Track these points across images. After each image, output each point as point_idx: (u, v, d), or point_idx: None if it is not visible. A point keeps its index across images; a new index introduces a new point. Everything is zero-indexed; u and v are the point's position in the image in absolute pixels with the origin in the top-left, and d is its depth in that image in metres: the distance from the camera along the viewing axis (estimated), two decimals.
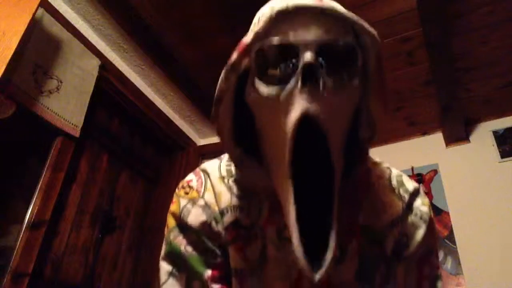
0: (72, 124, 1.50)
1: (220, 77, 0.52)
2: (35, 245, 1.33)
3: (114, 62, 1.85)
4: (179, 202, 0.66)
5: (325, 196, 0.47)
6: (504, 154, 2.24)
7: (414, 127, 2.50)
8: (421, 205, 0.62)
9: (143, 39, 1.86)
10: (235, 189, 0.62)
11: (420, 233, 0.60)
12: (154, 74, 2.03)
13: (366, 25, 0.48)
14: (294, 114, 0.45)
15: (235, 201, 0.62)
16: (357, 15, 0.48)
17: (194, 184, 0.66)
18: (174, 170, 2.22)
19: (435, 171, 2.38)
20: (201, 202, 0.63)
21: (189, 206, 0.64)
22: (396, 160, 2.49)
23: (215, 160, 0.71)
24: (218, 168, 0.68)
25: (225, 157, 0.69)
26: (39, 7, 1.29)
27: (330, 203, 0.47)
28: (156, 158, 2.22)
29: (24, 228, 1.32)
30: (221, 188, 0.64)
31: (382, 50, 0.50)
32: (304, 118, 0.45)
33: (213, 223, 0.62)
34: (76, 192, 1.62)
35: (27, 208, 1.35)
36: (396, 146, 2.58)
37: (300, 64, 0.45)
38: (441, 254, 2.13)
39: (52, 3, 1.53)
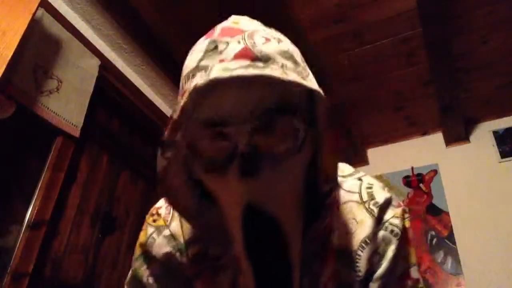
0: (72, 124, 1.50)
1: (157, 159, 0.49)
2: (35, 245, 1.32)
3: (114, 62, 1.85)
4: (147, 229, 0.64)
5: (284, 262, 0.47)
6: (504, 154, 2.24)
7: (414, 127, 2.50)
8: (391, 217, 0.57)
9: (143, 39, 1.86)
10: (201, 219, 0.58)
11: (391, 249, 0.56)
12: (154, 74, 2.03)
13: (308, 84, 0.44)
14: (237, 207, 0.45)
15: (200, 232, 0.58)
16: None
17: (162, 211, 0.64)
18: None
19: (435, 171, 2.38)
20: (166, 232, 0.61)
21: (154, 235, 0.62)
22: (396, 160, 2.50)
23: None
24: None
25: None
26: (39, 7, 1.29)
27: (289, 275, 0.47)
28: (156, 158, 2.21)
29: (24, 228, 1.31)
30: None
31: (328, 105, 0.46)
32: (248, 208, 0.44)
33: (177, 255, 0.59)
34: (76, 192, 1.62)
35: (27, 208, 1.35)
36: (396, 146, 2.58)
37: (236, 153, 0.43)
38: (441, 254, 2.13)
39: (52, 3, 1.53)
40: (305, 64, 0.50)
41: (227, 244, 0.51)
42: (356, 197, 0.59)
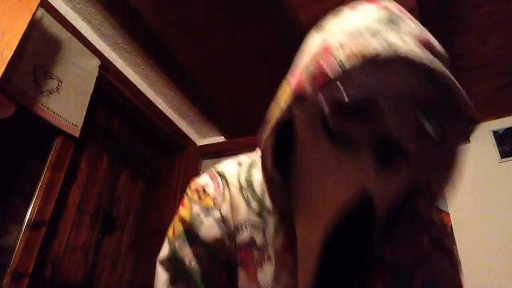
0: (72, 124, 1.50)
1: (282, 101, 0.44)
2: (35, 245, 1.32)
3: (114, 62, 1.85)
4: (191, 207, 0.58)
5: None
6: (504, 154, 2.24)
7: None
8: (445, 237, 0.57)
9: (143, 39, 1.86)
10: (252, 204, 0.56)
11: (448, 272, 0.55)
12: (154, 74, 2.03)
13: (470, 105, 0.39)
14: (348, 188, 0.41)
15: (252, 217, 0.55)
16: None
17: (210, 190, 0.59)
18: (174, 170, 2.22)
19: None
20: (216, 214, 0.57)
21: (202, 215, 0.57)
22: None
23: (233, 164, 0.62)
24: (237, 176, 0.60)
25: (244, 161, 0.62)
26: (39, 7, 1.29)
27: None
28: (156, 158, 2.21)
29: (24, 228, 1.31)
30: (239, 201, 0.57)
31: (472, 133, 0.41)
32: (357, 195, 0.41)
33: (226, 240, 0.56)
34: (76, 192, 1.62)
35: (27, 208, 1.35)
36: None
37: (378, 136, 0.39)
38: None
39: (52, 3, 1.53)
40: None
41: (276, 232, 0.49)
42: (411, 212, 0.57)
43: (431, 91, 0.39)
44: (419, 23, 0.43)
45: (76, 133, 1.51)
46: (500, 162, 2.23)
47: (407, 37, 0.40)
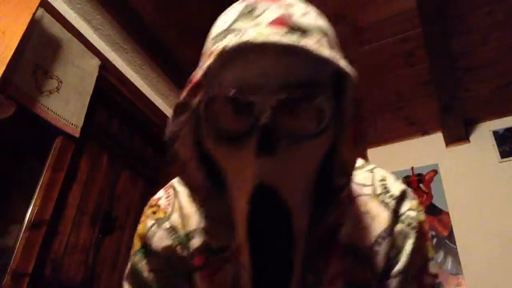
0: (72, 124, 1.50)
1: (170, 116, 0.47)
2: (35, 245, 1.33)
3: (114, 62, 1.85)
4: (146, 222, 0.61)
5: (286, 248, 0.44)
6: (504, 154, 2.24)
7: (414, 127, 2.50)
8: (408, 209, 0.55)
9: (143, 39, 1.86)
10: (203, 211, 0.56)
11: (409, 243, 0.53)
12: (154, 74, 2.03)
13: (341, 63, 0.41)
14: (248, 183, 0.42)
15: (204, 223, 0.56)
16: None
17: (162, 202, 0.61)
18: (174, 170, 2.21)
19: (435, 171, 2.38)
20: (166, 224, 0.58)
21: (154, 228, 0.59)
22: (396, 160, 2.50)
23: None
24: None
25: None
26: (39, 7, 1.29)
27: (290, 265, 0.43)
28: (156, 158, 2.21)
29: (24, 228, 1.31)
30: (190, 209, 0.58)
31: (359, 91, 0.43)
32: (259, 187, 0.41)
33: (178, 248, 0.57)
34: (76, 192, 1.62)
35: (27, 208, 1.35)
36: (396, 146, 2.58)
37: (256, 126, 0.40)
38: (441, 254, 2.13)
39: (52, 3, 1.53)
40: (339, 47, 0.48)
41: (232, 236, 0.49)
42: (369, 190, 0.56)
43: (301, 68, 0.41)
44: (281, 3, 0.45)
45: (76, 133, 1.51)
46: (500, 162, 2.23)
47: (260, 20, 0.42)
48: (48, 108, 1.40)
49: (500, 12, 1.72)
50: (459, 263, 2.06)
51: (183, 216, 0.58)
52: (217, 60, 0.40)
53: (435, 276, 0.57)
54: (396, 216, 0.54)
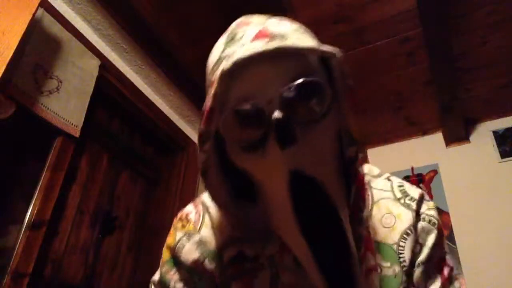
0: (72, 124, 1.50)
1: (197, 150, 0.51)
2: (35, 245, 1.32)
3: (114, 62, 1.85)
4: (175, 234, 0.64)
5: (336, 233, 0.47)
6: (504, 154, 2.24)
7: (414, 127, 2.50)
8: (427, 209, 0.63)
9: (143, 39, 1.86)
10: (234, 223, 0.59)
11: (432, 238, 0.60)
12: (154, 74, 2.03)
13: (323, 47, 0.46)
14: (283, 173, 0.45)
15: (236, 233, 0.59)
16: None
17: (192, 217, 0.64)
18: (174, 170, 2.22)
19: (435, 171, 2.38)
20: (196, 237, 0.62)
21: (184, 240, 0.62)
22: (396, 160, 2.50)
23: None
24: None
25: None
26: (39, 7, 1.29)
27: (343, 239, 0.47)
28: (156, 158, 2.22)
29: (24, 228, 1.31)
30: (221, 223, 0.61)
31: (345, 64, 0.48)
32: (294, 176, 0.45)
33: (206, 262, 0.60)
34: (76, 192, 1.62)
35: (27, 208, 1.35)
36: (396, 146, 2.59)
37: (271, 126, 0.44)
38: None
39: (52, 3, 1.53)
40: (318, 40, 0.54)
41: (266, 242, 0.53)
42: (389, 194, 0.64)
43: (295, 66, 0.46)
44: (260, 20, 0.52)
45: (76, 133, 1.51)
46: (500, 162, 2.23)
47: (244, 41, 0.49)
48: (48, 108, 1.40)
49: (500, 12, 1.73)
50: (459, 263, 2.06)
51: (214, 230, 0.61)
52: (220, 84, 0.45)
53: (452, 268, 0.62)
54: (417, 215, 0.61)
